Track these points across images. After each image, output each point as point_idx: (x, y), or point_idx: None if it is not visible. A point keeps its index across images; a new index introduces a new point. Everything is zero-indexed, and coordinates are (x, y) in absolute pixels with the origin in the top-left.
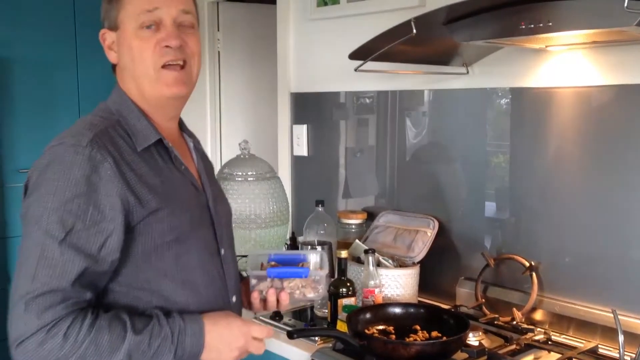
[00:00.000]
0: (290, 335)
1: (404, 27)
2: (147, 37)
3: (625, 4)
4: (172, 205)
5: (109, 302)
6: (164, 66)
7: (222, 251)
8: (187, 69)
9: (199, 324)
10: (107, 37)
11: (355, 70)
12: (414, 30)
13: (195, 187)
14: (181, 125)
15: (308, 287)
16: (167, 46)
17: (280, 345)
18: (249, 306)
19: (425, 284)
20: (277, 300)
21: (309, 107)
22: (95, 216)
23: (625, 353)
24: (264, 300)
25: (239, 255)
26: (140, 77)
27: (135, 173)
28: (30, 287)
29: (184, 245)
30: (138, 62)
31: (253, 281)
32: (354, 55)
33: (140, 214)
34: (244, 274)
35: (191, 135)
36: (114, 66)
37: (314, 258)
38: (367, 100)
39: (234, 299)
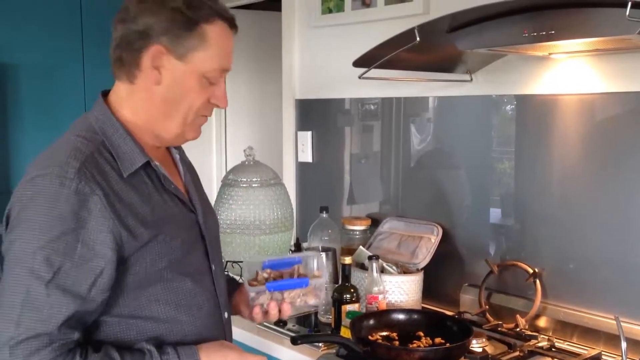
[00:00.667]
0: (294, 341)
1: (408, 34)
2: (206, 87)
3: (627, 13)
4: (163, 233)
5: (98, 335)
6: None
7: (213, 267)
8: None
9: (195, 358)
10: (165, 60)
11: (360, 77)
12: (418, 38)
13: (184, 205)
14: None
15: (309, 295)
16: (214, 104)
17: (284, 351)
18: (250, 317)
19: (429, 291)
20: (280, 310)
21: (314, 114)
22: (84, 254)
23: (628, 359)
24: (265, 312)
25: (233, 261)
26: (176, 117)
27: (124, 204)
28: (15, 332)
29: (176, 270)
30: (186, 105)
31: (252, 294)
32: (358, 63)
33: (132, 246)
34: (240, 279)
35: (177, 146)
36: (132, 74)
37: (310, 261)
38: (372, 107)
39: (225, 314)
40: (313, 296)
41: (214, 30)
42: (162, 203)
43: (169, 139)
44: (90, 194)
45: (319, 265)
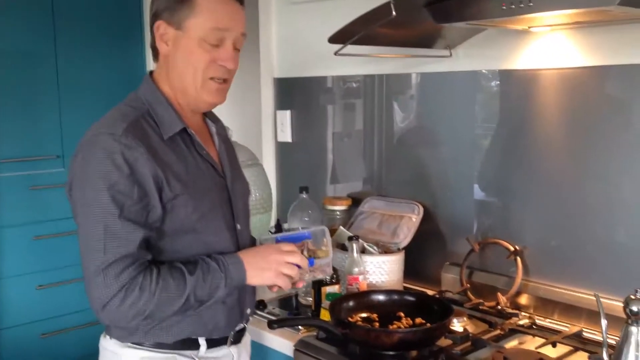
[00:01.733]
0: (270, 325)
1: (384, 9)
2: (208, 50)
3: None
4: (195, 188)
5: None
6: (211, 77)
7: (238, 226)
8: (227, 83)
9: (236, 256)
10: (167, 31)
11: (335, 54)
12: (394, 13)
13: (215, 170)
14: (205, 112)
15: (317, 271)
16: (222, 65)
17: (263, 334)
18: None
19: (410, 270)
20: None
21: (293, 93)
22: (140, 193)
23: (609, 336)
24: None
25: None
26: (187, 81)
27: (162, 160)
28: (104, 258)
29: (206, 224)
30: (191, 68)
31: None
32: (333, 39)
33: (168, 195)
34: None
35: (215, 120)
36: (155, 53)
37: (319, 235)
38: (354, 85)
39: None
40: (320, 272)
41: None
42: (195, 165)
43: (192, 103)
44: (137, 147)
45: (326, 239)
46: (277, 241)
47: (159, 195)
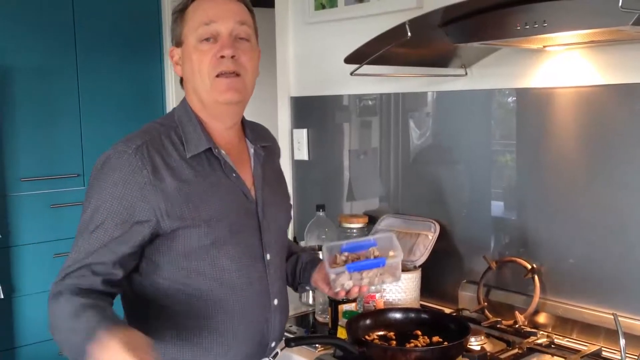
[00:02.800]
0: (288, 343)
1: (399, 30)
2: (206, 49)
3: (620, 3)
4: (211, 211)
5: (154, 291)
6: (218, 75)
7: (268, 256)
8: (240, 77)
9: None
10: (175, 53)
11: (351, 74)
12: (409, 34)
13: (244, 194)
14: (245, 131)
15: (386, 274)
16: (221, 56)
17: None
18: (331, 294)
19: (427, 288)
20: (359, 289)
21: (309, 111)
22: (124, 216)
23: (628, 356)
24: (347, 291)
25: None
26: (198, 87)
27: (175, 179)
28: (66, 263)
29: (221, 250)
30: (197, 72)
31: (333, 276)
32: (349, 60)
33: (169, 221)
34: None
35: (256, 139)
36: (182, 80)
37: (385, 243)
38: (369, 103)
39: (275, 302)
40: (390, 275)
41: (193, 6)
42: (217, 186)
43: (213, 110)
44: (141, 168)
45: (393, 246)
46: (342, 250)
47: (154, 224)
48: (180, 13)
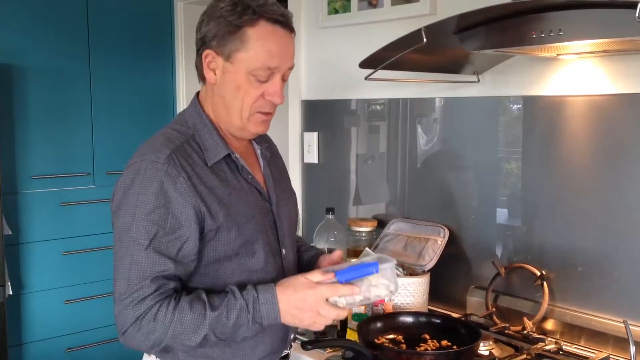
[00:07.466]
0: (304, 346)
1: (415, 36)
2: (256, 86)
3: (637, 14)
4: (238, 215)
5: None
6: (257, 111)
7: (283, 251)
8: (272, 114)
9: (272, 292)
10: (213, 60)
11: (366, 79)
12: (424, 40)
13: (260, 194)
14: None
15: (380, 286)
16: (269, 100)
17: (290, 354)
18: None
19: (435, 293)
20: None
21: (320, 115)
22: (173, 224)
23: None
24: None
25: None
26: (234, 113)
27: (206, 186)
28: (126, 287)
29: (250, 250)
30: (239, 102)
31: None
32: (364, 64)
33: (210, 223)
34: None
35: (261, 141)
36: (200, 73)
37: (387, 270)
38: (378, 108)
39: None
40: (384, 287)
41: (256, 32)
42: (240, 190)
43: (237, 132)
44: (177, 175)
45: (392, 277)
46: (337, 275)
47: (200, 226)
48: (237, 29)
